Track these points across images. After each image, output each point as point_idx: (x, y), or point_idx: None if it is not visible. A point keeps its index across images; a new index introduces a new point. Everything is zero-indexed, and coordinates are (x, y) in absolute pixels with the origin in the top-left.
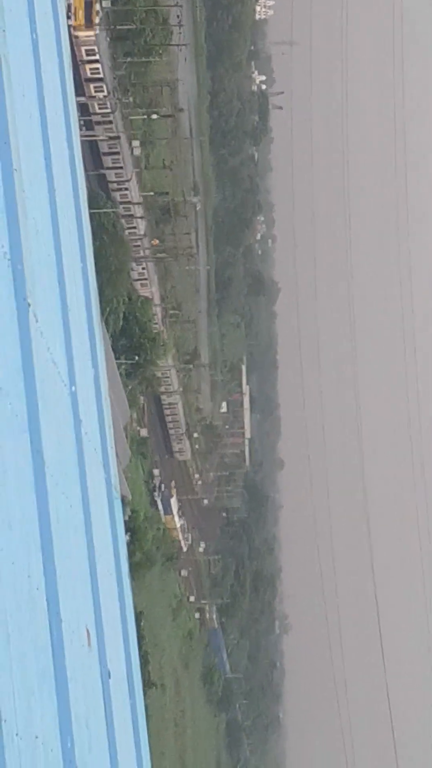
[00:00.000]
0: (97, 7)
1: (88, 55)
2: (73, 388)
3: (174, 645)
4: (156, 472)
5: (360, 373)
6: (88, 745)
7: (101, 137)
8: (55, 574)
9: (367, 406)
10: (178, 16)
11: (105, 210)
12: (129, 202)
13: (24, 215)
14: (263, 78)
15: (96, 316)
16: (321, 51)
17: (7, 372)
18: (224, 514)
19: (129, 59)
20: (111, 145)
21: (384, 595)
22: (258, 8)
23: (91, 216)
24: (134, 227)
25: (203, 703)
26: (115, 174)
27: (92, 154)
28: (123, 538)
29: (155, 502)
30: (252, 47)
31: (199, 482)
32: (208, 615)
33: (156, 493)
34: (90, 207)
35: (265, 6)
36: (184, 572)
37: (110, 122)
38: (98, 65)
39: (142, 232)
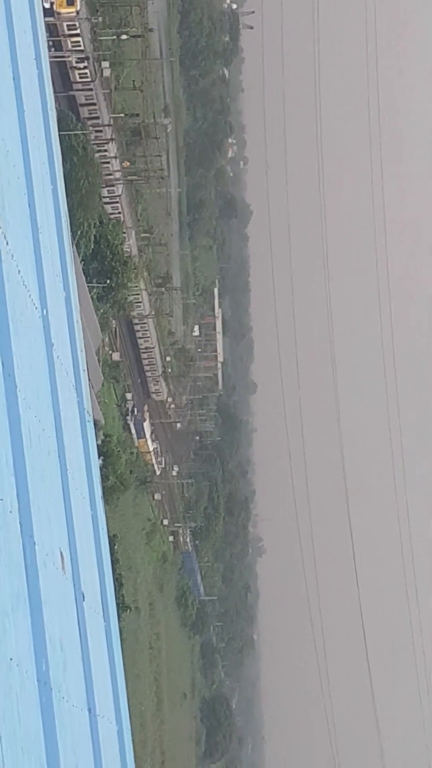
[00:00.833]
0: None
1: None
2: (45, 311)
3: (148, 568)
4: (129, 396)
5: (333, 294)
6: (62, 667)
7: (70, 58)
8: (29, 497)
9: (339, 326)
10: None
11: (75, 132)
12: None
13: None
14: None
15: (67, 238)
16: None
17: None
18: (198, 438)
19: None
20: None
21: (357, 514)
22: None
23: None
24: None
25: (178, 626)
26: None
27: (61, 75)
28: (96, 461)
29: (128, 426)
30: None
31: (172, 406)
32: (182, 538)
33: (129, 417)
34: (60, 129)
35: None
36: (157, 496)
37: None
38: None
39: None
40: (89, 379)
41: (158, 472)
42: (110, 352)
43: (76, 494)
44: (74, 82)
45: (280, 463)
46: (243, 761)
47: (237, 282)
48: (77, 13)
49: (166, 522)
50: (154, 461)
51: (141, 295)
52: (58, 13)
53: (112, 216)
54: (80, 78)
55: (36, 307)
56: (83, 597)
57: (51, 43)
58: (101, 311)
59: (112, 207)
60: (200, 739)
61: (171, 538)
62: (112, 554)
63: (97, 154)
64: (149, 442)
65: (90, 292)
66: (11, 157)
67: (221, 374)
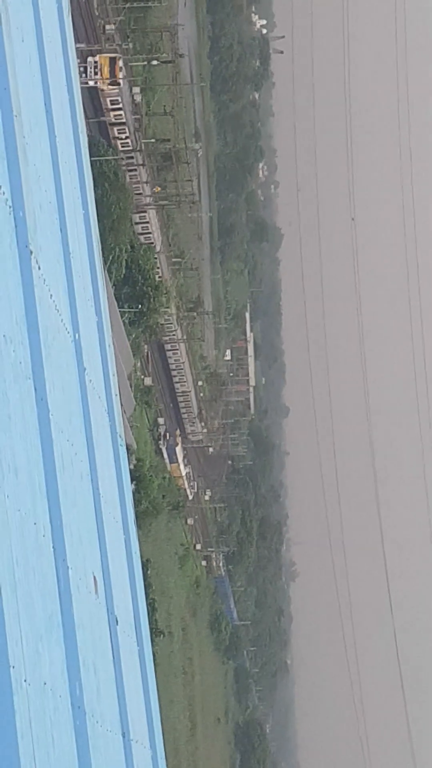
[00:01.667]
0: None
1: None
2: (77, 335)
3: (181, 593)
4: (161, 420)
5: (365, 316)
6: (96, 692)
7: (101, 85)
8: (61, 521)
9: (371, 348)
10: None
11: (106, 157)
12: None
13: (25, 161)
14: (264, 22)
15: (98, 263)
16: None
17: (10, 319)
18: (230, 462)
19: (128, 4)
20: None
21: (390, 539)
22: None
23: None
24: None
25: (211, 651)
26: (116, 119)
27: (92, 100)
28: (128, 485)
29: (160, 450)
30: None
31: (204, 430)
32: (215, 563)
33: (161, 442)
34: (91, 154)
35: None
36: (190, 520)
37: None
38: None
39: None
40: (121, 404)
41: (191, 497)
42: (142, 376)
43: (109, 518)
44: (106, 109)
45: (313, 487)
46: None
47: (268, 306)
48: (120, 90)
49: (199, 546)
50: (186, 486)
51: (173, 320)
52: (102, 90)
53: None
54: (122, 147)
55: (68, 332)
56: (116, 621)
57: (82, 68)
58: (133, 336)
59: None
60: (234, 764)
61: (204, 563)
62: (144, 579)
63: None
64: (181, 466)
65: (122, 317)
66: (43, 181)
67: (253, 398)
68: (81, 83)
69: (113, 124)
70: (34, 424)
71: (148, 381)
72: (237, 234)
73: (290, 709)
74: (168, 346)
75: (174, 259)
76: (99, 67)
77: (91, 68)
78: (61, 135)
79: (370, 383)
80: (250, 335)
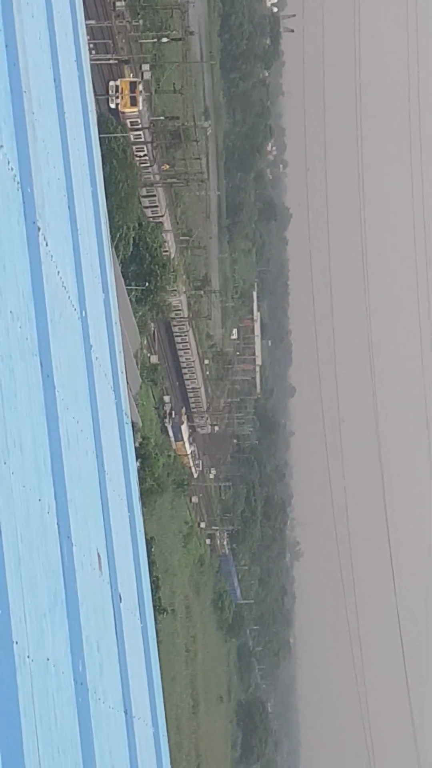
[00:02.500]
0: None
1: None
2: (84, 312)
3: (185, 571)
4: (166, 398)
5: (372, 297)
6: (99, 668)
7: (111, 60)
8: (66, 497)
9: (378, 329)
10: None
11: (115, 135)
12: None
13: (34, 138)
14: (275, 0)
15: (106, 240)
16: None
17: (17, 296)
18: (235, 441)
19: None
20: (140, 156)
21: (395, 518)
22: None
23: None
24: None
25: (214, 629)
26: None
27: (102, 78)
28: (134, 463)
29: (166, 429)
30: None
31: (210, 409)
32: (219, 541)
33: (166, 420)
34: (99, 131)
35: None
36: (194, 499)
37: (140, 136)
38: None
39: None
40: (127, 382)
41: (195, 475)
42: (148, 354)
43: (114, 496)
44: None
45: (318, 467)
46: (279, 765)
47: (276, 285)
48: (140, 112)
49: (203, 525)
50: (191, 464)
51: (180, 298)
52: (122, 113)
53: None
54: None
55: (75, 309)
56: (120, 598)
57: (92, 45)
58: (140, 314)
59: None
60: (236, 743)
61: (208, 541)
62: (149, 556)
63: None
64: (187, 444)
65: (129, 295)
66: (51, 158)
67: (259, 377)
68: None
69: (134, 142)
70: (39, 401)
71: (154, 359)
72: (245, 213)
73: (292, 688)
74: (174, 325)
75: (182, 238)
76: (120, 91)
77: (112, 92)
78: (70, 112)
79: (377, 364)
80: (257, 314)
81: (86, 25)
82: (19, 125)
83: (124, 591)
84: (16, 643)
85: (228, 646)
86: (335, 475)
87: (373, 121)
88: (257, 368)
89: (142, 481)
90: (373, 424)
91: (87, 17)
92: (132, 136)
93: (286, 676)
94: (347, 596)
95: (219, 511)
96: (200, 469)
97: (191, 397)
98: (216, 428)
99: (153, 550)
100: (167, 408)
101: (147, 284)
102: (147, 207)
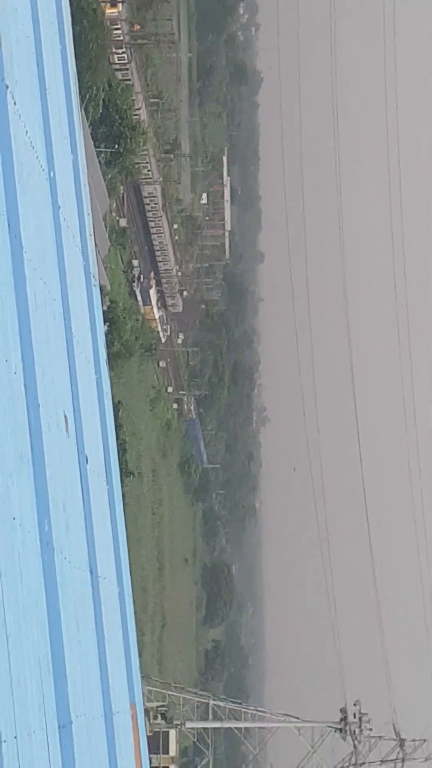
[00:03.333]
0: None
1: None
2: (52, 173)
3: (152, 435)
4: (135, 263)
5: (343, 163)
6: (65, 528)
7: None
8: (33, 359)
9: (349, 196)
10: None
11: None
12: None
13: None
14: None
15: (75, 100)
16: None
17: None
18: (203, 307)
19: None
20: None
21: (361, 380)
22: None
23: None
24: (115, 12)
25: (180, 493)
26: None
27: None
28: (101, 326)
29: (134, 293)
30: None
31: (179, 274)
32: (186, 406)
33: (135, 284)
34: None
35: None
36: (162, 363)
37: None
38: None
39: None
40: (96, 244)
41: (163, 340)
42: (117, 218)
43: (81, 358)
44: None
45: (286, 333)
46: (243, 626)
47: (246, 150)
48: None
49: (170, 390)
50: (159, 329)
51: (149, 161)
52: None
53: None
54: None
55: (43, 169)
56: (86, 460)
57: None
58: (109, 176)
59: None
60: (201, 605)
61: (175, 406)
62: (116, 420)
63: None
64: (155, 309)
65: (98, 158)
66: (20, 14)
67: (228, 243)
68: None
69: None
70: (7, 262)
71: (123, 222)
72: (216, 76)
73: (257, 552)
74: (144, 188)
75: (152, 100)
76: None
77: None
78: None
79: (347, 230)
80: (226, 179)
81: None
82: None
83: (90, 453)
84: None
85: (194, 509)
86: (303, 341)
87: None
88: (226, 234)
89: (109, 344)
90: (342, 288)
91: None
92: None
93: (251, 540)
94: (312, 462)
95: (186, 377)
96: (168, 333)
97: (160, 262)
98: (185, 293)
99: (120, 413)
100: (136, 272)
101: (116, 147)
102: (117, 69)
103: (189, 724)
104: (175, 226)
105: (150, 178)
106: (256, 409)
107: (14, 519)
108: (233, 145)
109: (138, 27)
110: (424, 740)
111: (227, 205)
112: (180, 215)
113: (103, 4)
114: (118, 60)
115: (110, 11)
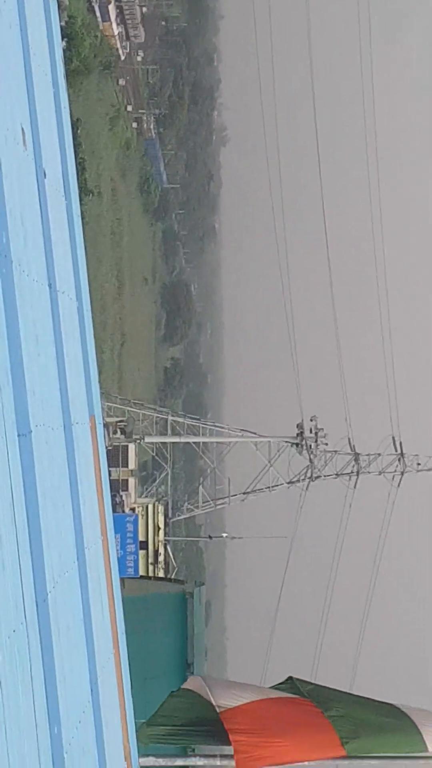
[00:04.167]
0: None
1: None
2: None
3: (111, 154)
4: None
5: None
6: (23, 241)
7: None
8: None
9: None
10: None
11: None
12: None
13: None
14: None
15: None
16: None
17: None
18: (163, 23)
19: None
20: None
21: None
22: None
23: None
24: None
25: (140, 213)
26: None
27: None
28: (59, 40)
29: (93, 8)
30: None
31: None
32: (145, 125)
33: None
34: None
35: None
36: (121, 81)
37: None
38: None
39: None
40: None
41: (123, 57)
42: None
43: (38, 71)
44: None
45: (247, 52)
46: (202, 345)
47: None
48: None
49: (130, 108)
50: (118, 46)
51: None
52: None
53: None
54: None
55: None
56: (45, 174)
57: None
58: None
59: None
60: (160, 323)
61: (134, 125)
62: (75, 138)
63: None
64: (114, 25)
65: None
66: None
67: None
68: None
69: None
70: None
71: None
72: None
73: (216, 273)
74: None
75: None
76: None
77: None
78: None
79: None
80: None
81: None
82: None
83: (48, 168)
84: None
85: (153, 229)
86: (264, 60)
87: None
88: None
89: (68, 61)
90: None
91: None
92: None
93: (210, 260)
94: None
95: (146, 95)
96: (128, 51)
97: None
98: (144, 9)
99: (79, 131)
100: None
101: None
102: None
103: (148, 439)
104: None
105: None
106: (217, 129)
107: None
108: None
109: None
110: (378, 454)
111: None
112: None
113: None
114: None
115: None
